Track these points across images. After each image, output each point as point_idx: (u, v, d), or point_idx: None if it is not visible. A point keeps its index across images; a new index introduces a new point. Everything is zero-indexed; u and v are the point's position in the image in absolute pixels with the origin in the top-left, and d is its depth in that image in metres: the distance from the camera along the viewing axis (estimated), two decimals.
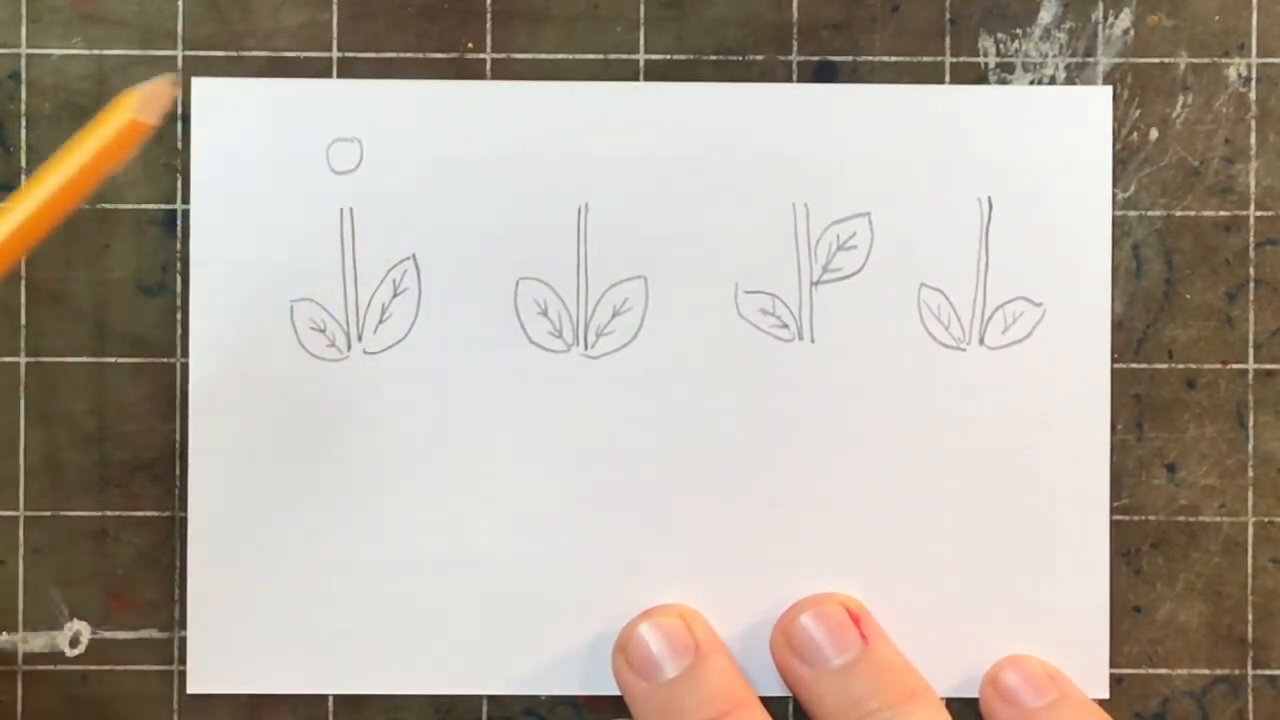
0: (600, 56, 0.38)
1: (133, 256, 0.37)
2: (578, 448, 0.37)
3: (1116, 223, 0.38)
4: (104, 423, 0.37)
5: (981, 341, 0.37)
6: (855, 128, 0.37)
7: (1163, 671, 0.38)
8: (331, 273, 0.37)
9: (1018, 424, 0.37)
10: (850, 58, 0.38)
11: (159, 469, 0.37)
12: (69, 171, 0.31)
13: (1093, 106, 0.37)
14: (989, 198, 0.37)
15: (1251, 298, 0.38)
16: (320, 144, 0.37)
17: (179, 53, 0.37)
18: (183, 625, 0.37)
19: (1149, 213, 0.38)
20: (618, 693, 0.37)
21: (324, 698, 0.37)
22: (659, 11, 0.38)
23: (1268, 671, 0.38)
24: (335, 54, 0.37)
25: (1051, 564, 0.37)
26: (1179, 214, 0.38)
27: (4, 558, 0.37)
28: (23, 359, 0.37)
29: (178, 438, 0.37)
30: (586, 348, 0.37)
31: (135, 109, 0.31)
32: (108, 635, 0.37)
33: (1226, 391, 0.38)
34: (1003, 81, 0.38)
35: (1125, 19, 0.38)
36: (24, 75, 0.37)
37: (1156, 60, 0.38)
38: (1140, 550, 0.38)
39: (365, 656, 0.37)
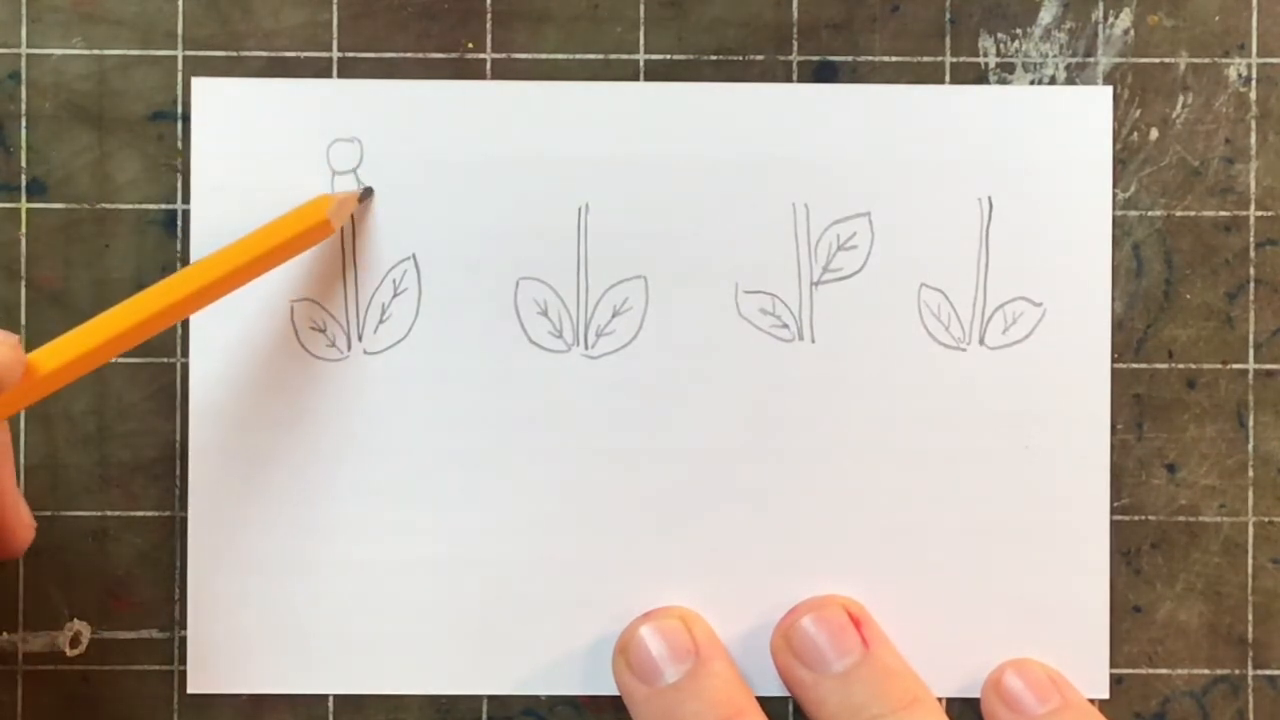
0: (600, 56, 0.38)
1: (133, 256, 0.37)
2: (578, 448, 0.37)
3: (1116, 223, 0.38)
4: (104, 423, 0.37)
5: (981, 341, 0.37)
6: (855, 128, 0.37)
7: (1163, 671, 0.38)
8: (331, 273, 0.37)
9: (1018, 424, 0.37)
10: (850, 58, 0.38)
11: (159, 469, 0.37)
12: (260, 248, 0.34)
13: (1093, 106, 0.37)
14: (989, 198, 0.37)
15: (1251, 298, 0.38)
16: (320, 144, 0.37)
17: (179, 53, 0.37)
18: (183, 625, 0.37)
19: (1149, 213, 0.38)
20: (618, 693, 0.37)
21: (324, 698, 0.37)
22: (659, 11, 0.38)
23: (1268, 671, 0.38)
24: (335, 54, 0.37)
25: (1051, 564, 0.37)
26: (1179, 214, 0.38)
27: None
28: None
29: (178, 438, 0.37)
30: (586, 348, 0.37)
31: (328, 212, 0.35)
32: (108, 635, 0.37)
33: (1226, 391, 0.38)
34: (1003, 81, 0.38)
35: (1125, 19, 0.38)
36: (24, 75, 0.37)
37: (1156, 60, 0.38)
38: (1140, 550, 0.38)
39: (365, 656, 0.37)
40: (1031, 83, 0.38)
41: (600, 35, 0.38)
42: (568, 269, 0.37)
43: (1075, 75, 0.38)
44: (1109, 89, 0.38)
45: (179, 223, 0.37)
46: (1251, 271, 0.38)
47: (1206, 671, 0.38)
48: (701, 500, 0.37)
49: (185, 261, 0.37)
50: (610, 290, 0.37)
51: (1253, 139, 0.38)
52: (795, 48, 0.38)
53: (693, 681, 0.35)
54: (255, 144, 0.37)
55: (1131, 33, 0.38)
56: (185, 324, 0.37)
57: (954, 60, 0.38)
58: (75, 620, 0.37)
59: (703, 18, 0.38)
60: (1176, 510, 0.38)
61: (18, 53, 0.37)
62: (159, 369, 0.37)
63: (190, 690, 0.37)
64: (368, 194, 0.37)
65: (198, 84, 0.37)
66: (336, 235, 0.37)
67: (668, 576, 0.37)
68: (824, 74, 0.38)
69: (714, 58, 0.38)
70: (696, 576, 0.37)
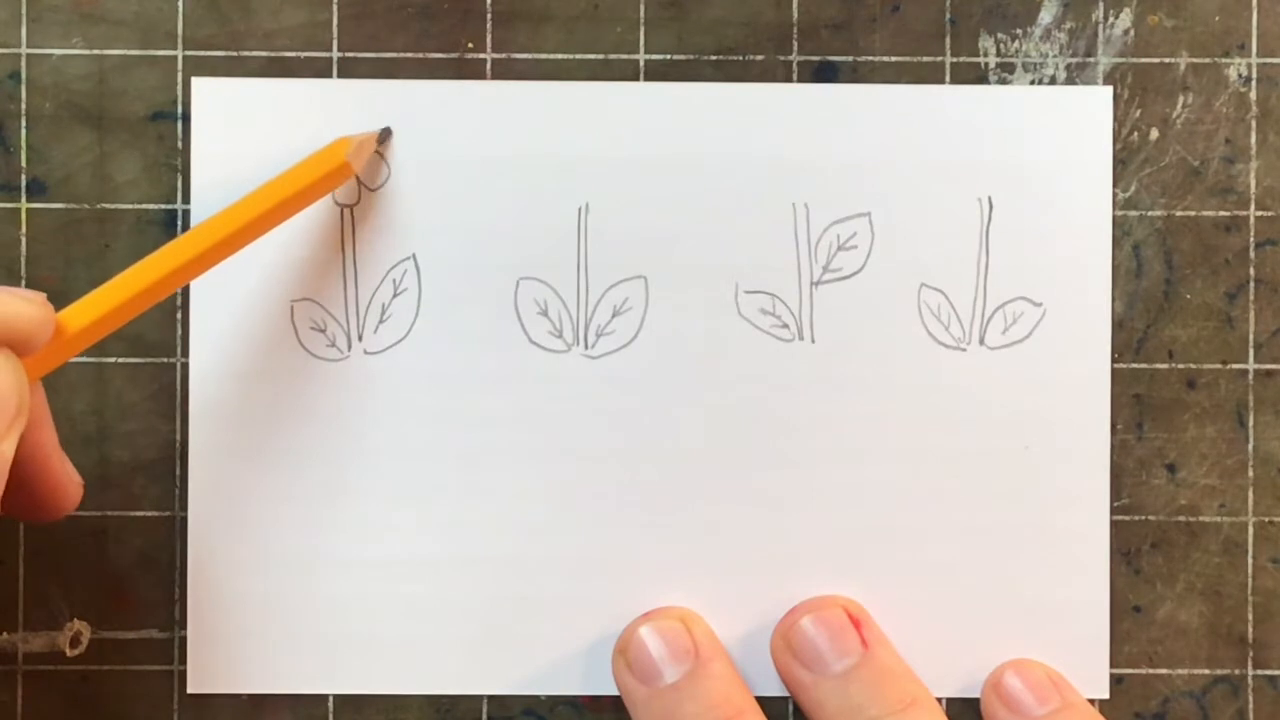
0: (600, 56, 0.38)
1: (133, 256, 0.37)
2: (578, 448, 0.37)
3: (1116, 223, 0.38)
4: (104, 423, 0.37)
5: (981, 341, 0.37)
6: (855, 128, 0.37)
7: (1163, 671, 0.38)
8: (331, 273, 0.37)
9: (1018, 424, 0.37)
10: (850, 58, 0.38)
11: (159, 469, 0.37)
12: (282, 195, 0.34)
13: (1093, 106, 0.37)
14: (989, 198, 0.37)
15: (1251, 298, 0.38)
16: (320, 144, 0.37)
17: (179, 53, 0.37)
18: (183, 625, 0.37)
19: (1149, 213, 0.38)
20: (618, 693, 0.37)
21: (324, 698, 0.37)
22: (659, 11, 0.38)
23: (1268, 671, 0.38)
24: (335, 54, 0.37)
25: (1051, 564, 0.37)
26: (1179, 214, 0.38)
27: (4, 558, 0.37)
28: None
29: (178, 438, 0.37)
30: (586, 348, 0.37)
31: (347, 155, 0.35)
32: (108, 635, 0.37)
33: (1226, 391, 0.38)
34: (1003, 81, 0.38)
35: (1125, 19, 0.38)
36: (24, 75, 0.37)
37: (1156, 60, 0.38)
38: (1140, 550, 0.38)
39: (365, 656, 0.37)
40: (1031, 83, 0.38)
41: (600, 35, 0.38)
42: (568, 269, 0.37)
43: (1075, 75, 0.38)
44: (1109, 89, 0.37)
45: (179, 223, 0.37)
46: (1251, 271, 0.38)
47: (1206, 671, 0.38)
48: (701, 500, 0.37)
49: None
50: (610, 290, 0.37)
51: (1253, 139, 0.38)
52: (795, 48, 0.38)
53: (692, 682, 0.35)
54: (255, 144, 0.37)
55: (1131, 33, 0.38)
56: (185, 324, 0.37)
57: (954, 60, 0.38)
58: (75, 620, 0.37)
59: (703, 18, 0.38)
60: (1176, 510, 0.38)
61: (18, 53, 0.37)
62: (159, 369, 0.37)
63: (190, 690, 0.37)
64: (386, 135, 0.37)
65: (198, 84, 0.37)
66: (337, 235, 0.37)
67: (668, 576, 0.37)
68: (824, 74, 0.38)
69: (714, 58, 0.38)
70: (696, 576, 0.37)
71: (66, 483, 0.34)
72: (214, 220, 0.33)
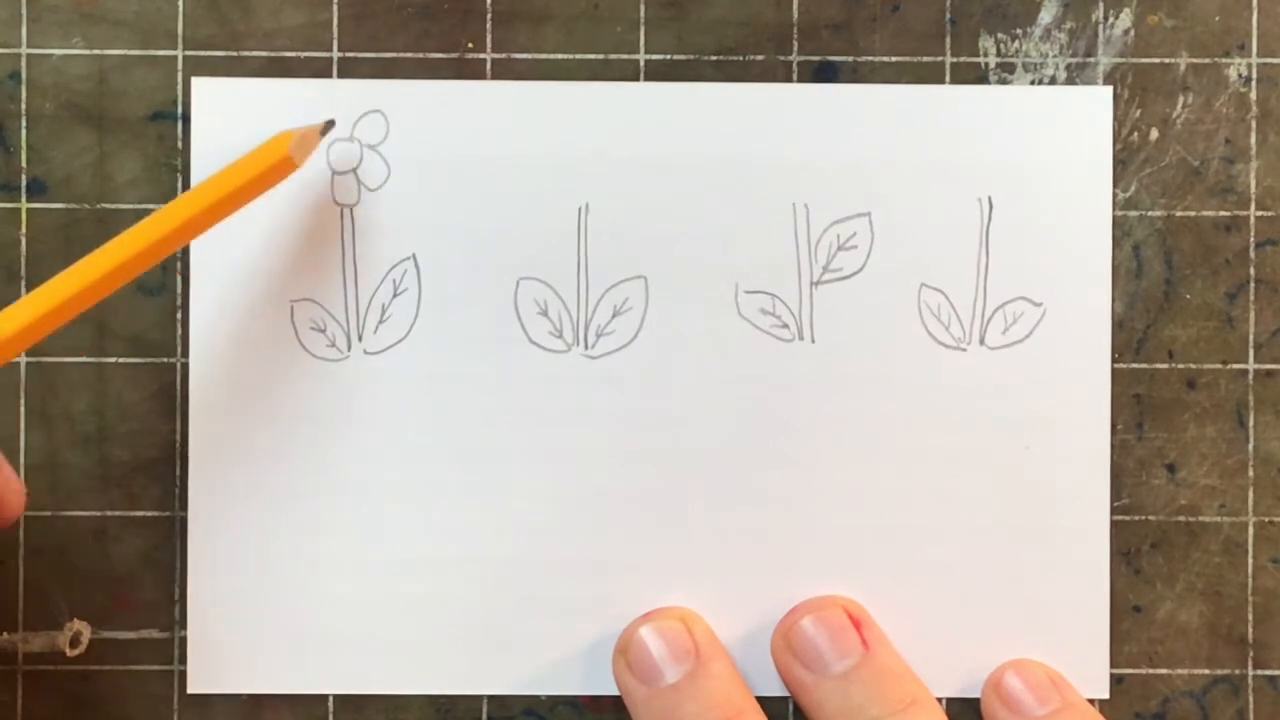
0: (600, 56, 0.38)
1: None
2: (578, 448, 0.37)
3: (1116, 223, 0.38)
4: (104, 423, 0.37)
5: (981, 341, 0.37)
6: (855, 128, 0.37)
7: (1163, 671, 0.38)
8: (331, 273, 0.37)
9: (1018, 424, 0.37)
10: (850, 58, 0.38)
11: (159, 469, 0.37)
12: (223, 191, 0.34)
13: (1093, 106, 0.37)
14: (989, 198, 0.37)
15: (1251, 298, 0.38)
16: (320, 144, 0.37)
17: (179, 53, 0.37)
18: (183, 625, 0.37)
19: (1149, 213, 0.38)
20: (618, 693, 0.37)
21: (324, 698, 0.37)
22: (659, 11, 0.38)
23: (1268, 671, 0.38)
24: (335, 54, 0.37)
25: (1051, 564, 0.37)
26: (1179, 214, 0.38)
27: (4, 558, 0.37)
28: (23, 359, 0.37)
29: (178, 438, 0.37)
30: (586, 348, 0.37)
31: (290, 148, 0.34)
32: (108, 635, 0.37)
33: (1226, 391, 0.38)
34: (1003, 81, 0.38)
35: (1125, 19, 0.38)
36: (24, 75, 0.37)
37: (1156, 60, 0.38)
38: (1140, 550, 0.38)
39: (365, 656, 0.37)
40: (1031, 83, 0.38)
41: (600, 35, 0.38)
42: (568, 269, 0.37)
43: (1075, 75, 0.38)
44: (1109, 89, 0.38)
45: None
46: (1251, 271, 0.38)
47: (1206, 671, 0.38)
48: (702, 500, 0.37)
49: (184, 261, 0.37)
50: (610, 290, 0.37)
51: (1253, 139, 0.38)
52: (795, 48, 0.38)
53: (692, 682, 0.35)
54: (255, 144, 0.37)
55: (1131, 33, 0.38)
56: (185, 324, 0.37)
57: (954, 60, 0.38)
58: (75, 620, 0.37)
59: (703, 18, 0.38)
60: (1176, 510, 0.38)
61: (18, 53, 0.37)
62: (159, 369, 0.37)
63: (190, 690, 0.37)
64: (329, 127, 0.37)
65: (198, 84, 0.37)
66: (337, 235, 0.37)
67: (668, 576, 0.37)
68: (824, 74, 0.38)
69: (714, 58, 0.38)
70: (696, 576, 0.37)
71: (7, 491, 0.34)
72: (150, 221, 0.33)
